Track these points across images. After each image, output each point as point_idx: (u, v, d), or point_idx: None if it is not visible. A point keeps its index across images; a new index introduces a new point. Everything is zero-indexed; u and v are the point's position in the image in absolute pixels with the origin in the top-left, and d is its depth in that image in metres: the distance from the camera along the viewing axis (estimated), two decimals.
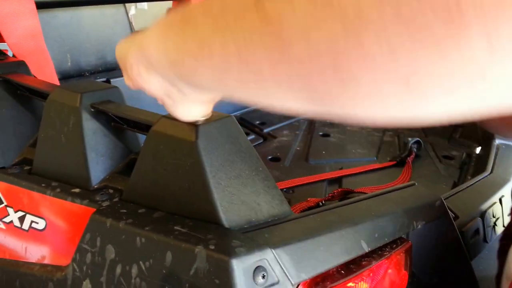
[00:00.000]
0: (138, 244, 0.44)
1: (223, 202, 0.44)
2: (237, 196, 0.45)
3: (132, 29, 1.08)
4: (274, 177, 0.98)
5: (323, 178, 0.98)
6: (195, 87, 0.36)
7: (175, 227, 0.44)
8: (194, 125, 0.45)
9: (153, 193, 0.49)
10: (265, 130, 1.25)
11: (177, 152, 0.46)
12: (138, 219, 0.47)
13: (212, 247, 0.40)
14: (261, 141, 1.19)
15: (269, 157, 1.09)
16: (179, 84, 0.37)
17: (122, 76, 1.03)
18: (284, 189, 0.93)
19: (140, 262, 0.44)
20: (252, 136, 1.22)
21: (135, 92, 1.05)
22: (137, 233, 0.45)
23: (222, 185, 0.45)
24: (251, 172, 0.47)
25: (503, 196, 0.76)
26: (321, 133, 1.24)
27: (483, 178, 0.77)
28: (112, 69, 1.08)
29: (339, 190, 0.87)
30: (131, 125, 0.55)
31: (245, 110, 1.40)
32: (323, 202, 0.81)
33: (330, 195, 0.85)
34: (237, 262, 0.38)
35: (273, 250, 0.41)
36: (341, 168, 1.03)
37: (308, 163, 1.07)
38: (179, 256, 0.41)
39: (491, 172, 0.80)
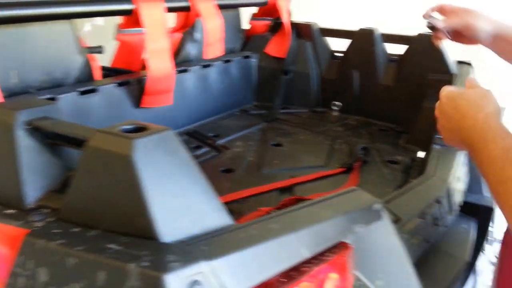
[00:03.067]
0: (70, 265, 0.43)
1: (160, 217, 0.43)
2: (175, 210, 0.45)
3: (78, 46, 1.06)
4: (226, 188, 0.99)
5: (274, 187, 0.99)
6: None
7: (108, 245, 0.43)
8: (129, 139, 0.44)
9: (90, 211, 0.48)
10: (218, 142, 1.25)
11: (112, 167, 0.45)
12: (71, 239, 0.45)
13: (145, 264, 0.39)
14: (215, 153, 1.19)
15: (222, 169, 1.09)
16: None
17: (69, 92, 1.01)
18: (237, 200, 0.94)
19: (72, 284, 0.43)
20: (205, 149, 1.21)
21: (84, 107, 1.03)
22: (69, 253, 0.43)
23: (159, 199, 0.44)
24: (190, 185, 0.47)
25: (441, 196, 0.79)
26: (273, 143, 1.26)
27: (422, 180, 0.80)
28: (58, 86, 1.06)
29: (290, 198, 0.88)
30: (67, 141, 0.53)
31: (199, 123, 1.40)
32: (274, 210, 0.82)
33: (281, 203, 0.86)
34: (171, 277, 0.38)
35: (210, 263, 0.41)
36: (292, 177, 1.05)
37: (261, 173, 1.07)
38: (111, 276, 0.40)
39: (432, 175, 0.83)
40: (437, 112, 0.71)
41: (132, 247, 0.42)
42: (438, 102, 0.71)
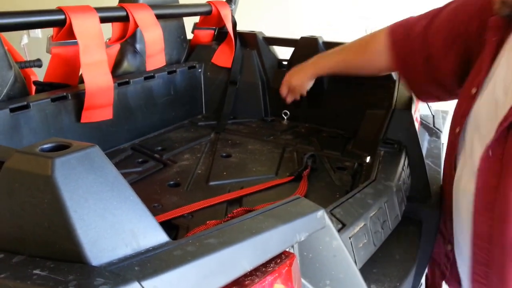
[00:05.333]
0: None
1: (86, 239, 0.41)
2: (104, 230, 0.42)
3: (7, 60, 1.00)
4: (173, 203, 0.96)
5: (223, 199, 0.97)
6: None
7: (34, 271, 0.40)
8: (49, 158, 0.41)
9: (13, 236, 0.45)
10: (165, 156, 1.22)
11: (33, 188, 0.42)
12: None
13: None
14: (161, 167, 1.16)
15: (169, 183, 1.06)
16: None
17: (2, 109, 0.95)
18: (184, 215, 0.91)
19: None
20: (152, 163, 1.18)
21: (17, 125, 0.97)
22: None
23: (85, 220, 0.41)
24: (120, 203, 0.44)
25: (387, 200, 0.80)
26: (223, 154, 1.24)
27: (367, 185, 0.81)
28: None
29: (239, 209, 0.86)
30: None
31: (145, 136, 1.36)
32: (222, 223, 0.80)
33: (229, 215, 0.84)
34: None
35: (142, 284, 0.38)
36: (242, 188, 1.03)
37: (209, 186, 1.05)
38: None
39: (375, 179, 0.84)
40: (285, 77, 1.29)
41: (58, 272, 0.40)
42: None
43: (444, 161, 0.99)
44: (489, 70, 0.81)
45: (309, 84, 1.27)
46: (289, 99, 1.33)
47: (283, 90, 1.31)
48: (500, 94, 0.76)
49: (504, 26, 0.80)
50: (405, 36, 0.99)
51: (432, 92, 1.02)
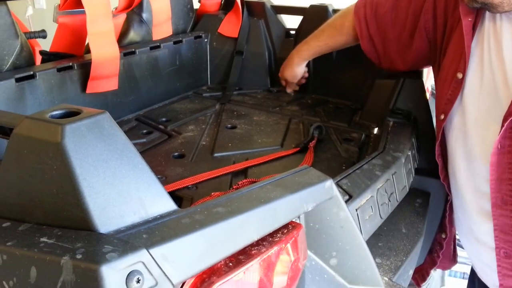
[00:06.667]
0: (1, 262, 0.40)
1: (95, 206, 0.41)
2: (112, 198, 0.42)
3: (14, 29, 0.99)
4: (177, 174, 0.96)
5: (227, 171, 0.97)
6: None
7: (41, 239, 0.40)
8: (59, 125, 0.41)
9: (20, 204, 0.45)
10: (170, 127, 1.21)
11: (42, 155, 0.42)
12: (1, 235, 0.42)
13: (79, 256, 0.37)
14: (166, 138, 1.16)
15: (174, 154, 1.06)
16: None
17: (4, 79, 0.94)
18: (188, 186, 0.91)
19: (4, 282, 0.39)
20: (156, 134, 1.17)
21: (22, 94, 0.96)
22: None
23: (94, 187, 0.41)
24: (129, 171, 0.44)
25: (395, 172, 0.79)
26: (228, 126, 1.23)
27: (375, 156, 0.80)
28: None
29: (244, 181, 0.86)
30: None
31: (150, 107, 1.35)
32: None
33: (234, 187, 0.84)
34: (106, 269, 0.35)
35: (150, 251, 0.38)
36: (247, 159, 1.03)
37: (214, 157, 1.05)
38: (44, 271, 0.37)
39: (383, 150, 0.83)
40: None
41: (65, 239, 0.40)
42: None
43: None
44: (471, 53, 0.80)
45: (300, 70, 1.37)
46: (289, 90, 1.45)
47: (283, 84, 1.45)
48: (501, 86, 0.75)
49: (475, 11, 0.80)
50: (371, 15, 1.08)
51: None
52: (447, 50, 0.88)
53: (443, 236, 0.96)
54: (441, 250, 0.96)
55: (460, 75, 0.81)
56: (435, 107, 0.91)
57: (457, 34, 0.84)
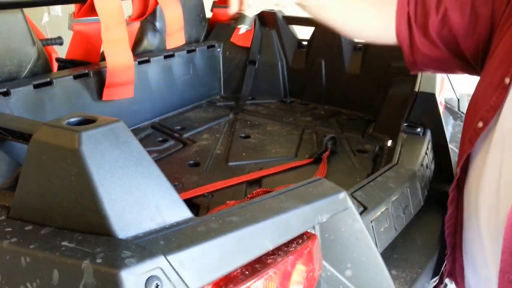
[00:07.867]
0: (24, 264, 0.40)
1: (113, 212, 0.41)
2: (130, 204, 0.42)
3: (30, 37, 1.01)
4: (193, 182, 0.97)
5: (242, 180, 0.98)
6: None
7: (62, 243, 0.41)
8: (76, 132, 0.42)
9: (40, 208, 0.45)
10: (185, 135, 1.22)
11: (60, 161, 0.42)
12: (23, 237, 0.43)
13: (99, 260, 0.37)
14: (181, 146, 1.17)
15: (189, 163, 1.07)
16: None
17: (21, 86, 0.96)
18: (204, 194, 0.91)
19: (28, 284, 0.40)
20: (171, 142, 1.18)
21: (40, 101, 0.98)
22: (21, 252, 0.41)
23: (112, 193, 0.42)
24: (145, 178, 0.44)
25: (408, 184, 0.79)
26: (242, 135, 1.24)
27: (389, 169, 0.80)
28: (12, 79, 1.00)
29: (258, 190, 0.86)
30: (13, 135, 0.50)
31: (164, 115, 1.36)
32: None
33: (249, 196, 0.84)
34: (126, 274, 0.36)
35: (167, 258, 0.39)
36: (261, 169, 1.03)
37: (228, 166, 1.06)
38: (66, 274, 0.38)
39: (397, 163, 0.83)
40: None
41: (86, 244, 0.40)
42: None
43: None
44: None
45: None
46: (233, 12, 0.95)
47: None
48: None
49: None
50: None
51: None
52: (495, 51, 0.77)
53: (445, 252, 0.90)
54: (443, 265, 0.92)
55: (507, 80, 0.72)
56: (469, 114, 0.80)
57: (509, 35, 0.73)
